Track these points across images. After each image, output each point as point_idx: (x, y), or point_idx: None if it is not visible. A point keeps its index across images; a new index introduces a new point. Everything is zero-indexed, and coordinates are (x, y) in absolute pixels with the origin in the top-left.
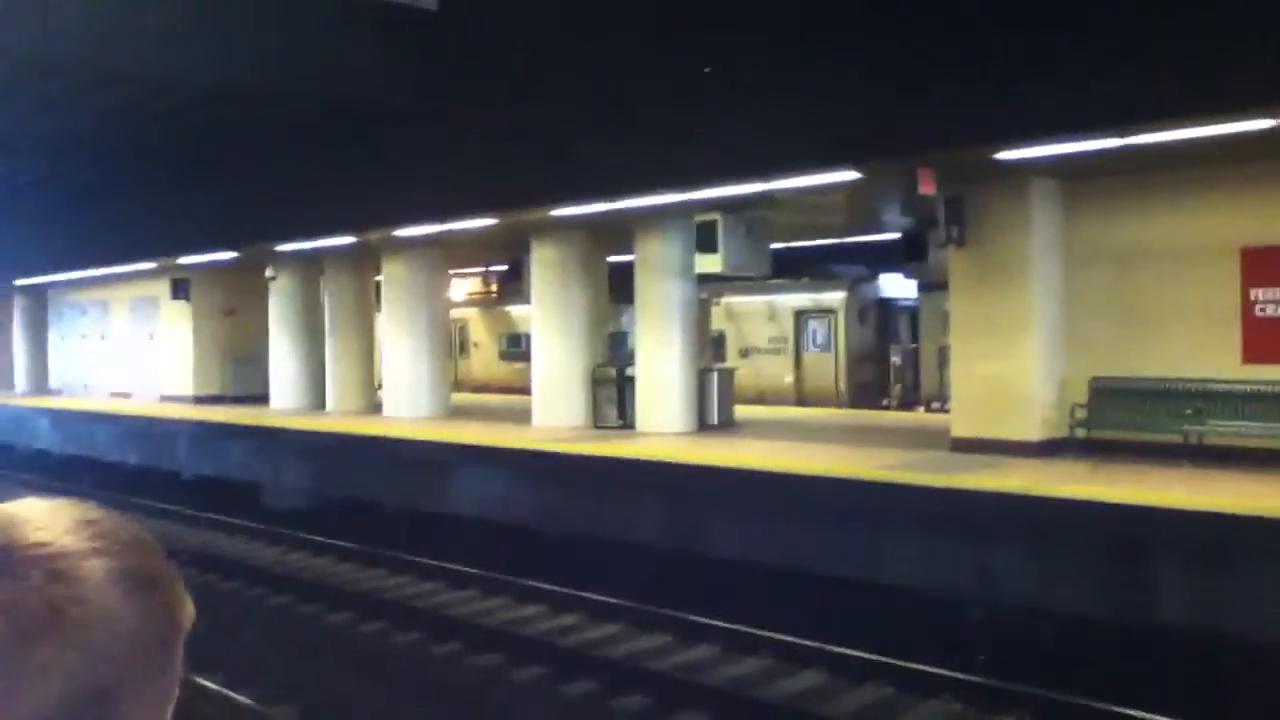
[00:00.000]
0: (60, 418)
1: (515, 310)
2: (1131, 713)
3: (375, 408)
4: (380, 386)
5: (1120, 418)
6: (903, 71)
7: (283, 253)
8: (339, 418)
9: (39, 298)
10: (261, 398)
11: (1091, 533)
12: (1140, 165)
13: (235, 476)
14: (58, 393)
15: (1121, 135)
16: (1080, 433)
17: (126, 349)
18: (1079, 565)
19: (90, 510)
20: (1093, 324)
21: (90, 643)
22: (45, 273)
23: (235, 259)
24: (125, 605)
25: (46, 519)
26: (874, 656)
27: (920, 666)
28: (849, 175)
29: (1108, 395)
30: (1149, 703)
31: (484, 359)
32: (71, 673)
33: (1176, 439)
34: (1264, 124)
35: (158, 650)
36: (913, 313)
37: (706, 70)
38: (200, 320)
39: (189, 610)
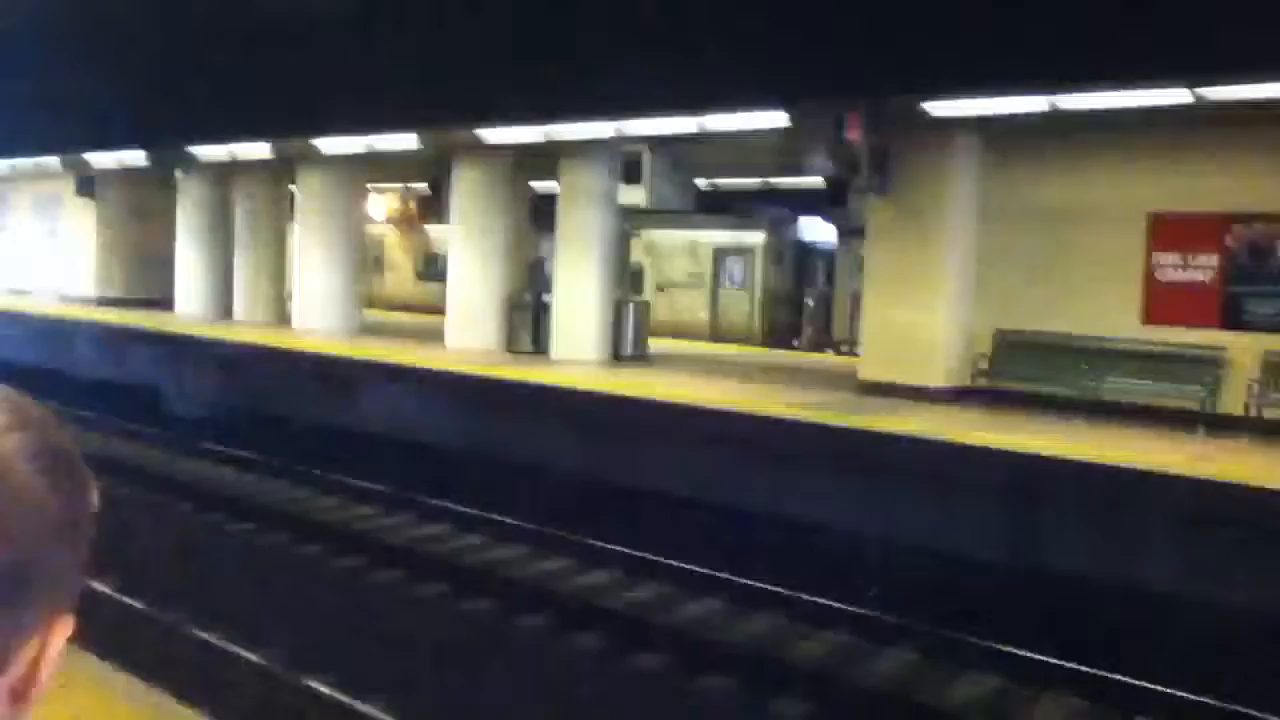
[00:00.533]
0: None
1: (433, 230)
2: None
3: (284, 320)
4: (290, 298)
5: (1022, 370)
6: (838, 16)
7: (196, 157)
8: (247, 328)
9: None
10: (165, 302)
11: (966, 476)
12: (1060, 127)
13: (138, 383)
14: None
15: (1044, 93)
16: (982, 382)
17: (26, 244)
18: (959, 507)
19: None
20: (1003, 278)
21: (8, 520)
22: None
23: (145, 161)
24: (40, 482)
25: None
26: (769, 587)
27: (812, 598)
28: (778, 117)
29: (1011, 347)
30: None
31: (400, 278)
32: None
33: (1075, 394)
34: (1176, 95)
35: (70, 531)
36: (829, 257)
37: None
38: (106, 220)
39: (95, 493)
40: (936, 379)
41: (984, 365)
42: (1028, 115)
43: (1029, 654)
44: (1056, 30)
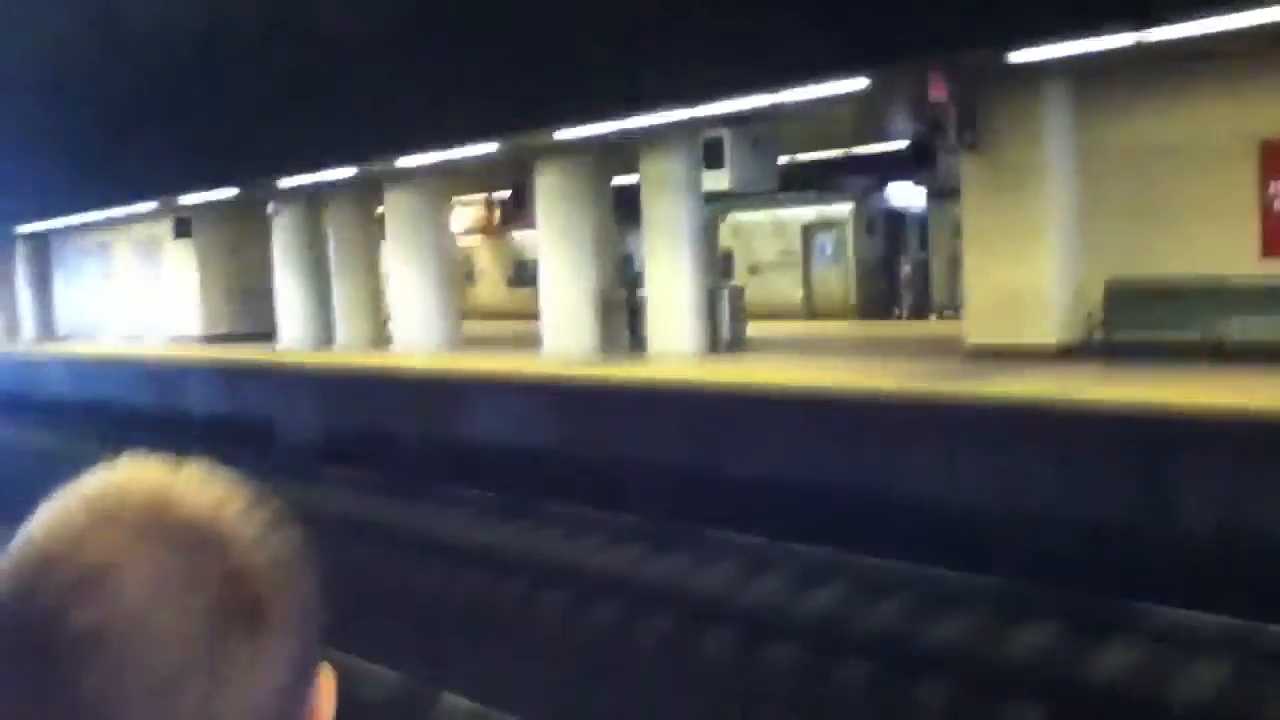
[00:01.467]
0: (72, 365)
1: (520, 237)
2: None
3: (385, 340)
4: (388, 319)
5: (1137, 319)
6: None
7: (285, 189)
8: (352, 352)
9: (41, 244)
10: (268, 334)
11: (1098, 436)
12: (1154, 62)
13: (255, 415)
14: (65, 339)
15: (1135, 29)
16: (1098, 335)
17: (132, 291)
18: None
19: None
20: (1109, 226)
21: (293, 619)
22: (45, 218)
23: (237, 197)
24: (299, 574)
25: (214, 493)
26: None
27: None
28: (858, 83)
29: (1124, 297)
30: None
31: (491, 287)
32: (289, 656)
33: (1196, 339)
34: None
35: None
36: (922, 221)
37: None
38: (205, 259)
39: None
40: (1047, 336)
41: (1097, 317)
42: (1115, 51)
43: None
44: None
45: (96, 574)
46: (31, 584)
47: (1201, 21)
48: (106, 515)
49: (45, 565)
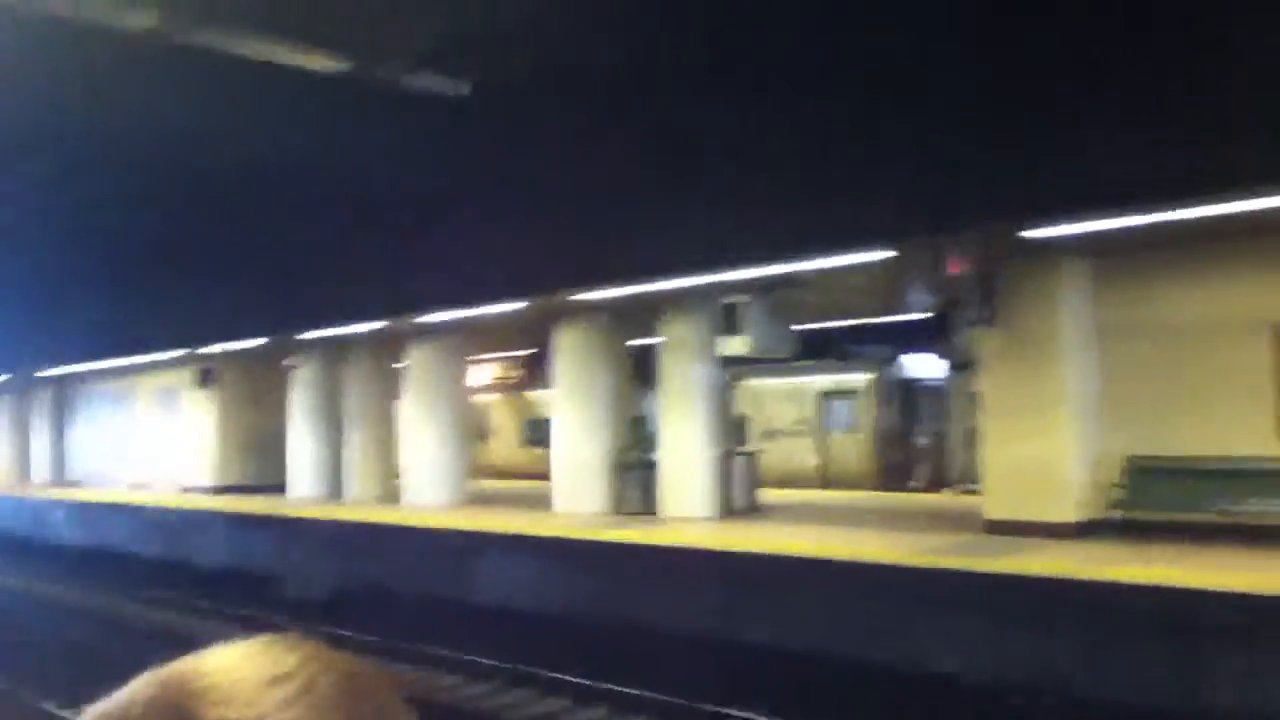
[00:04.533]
0: (80, 510)
1: (536, 396)
2: None
3: (394, 495)
4: (399, 475)
5: (1157, 497)
6: (932, 149)
7: (306, 340)
8: (358, 506)
9: (58, 388)
10: (279, 486)
11: (1129, 615)
12: (1169, 241)
13: (254, 568)
14: (77, 484)
15: (1144, 213)
16: (1117, 513)
17: (146, 438)
18: (1125, 649)
19: (286, 652)
20: (1127, 403)
21: None
22: (66, 363)
23: (258, 348)
24: None
25: (232, 681)
26: None
27: None
28: (876, 255)
29: (1144, 475)
30: None
31: (505, 444)
32: None
33: (1215, 518)
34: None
35: None
36: (939, 393)
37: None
38: (223, 409)
39: None
40: (1067, 513)
41: (1117, 495)
42: (1130, 230)
43: None
44: (1154, 145)
45: None
46: None
47: (1211, 207)
48: None
49: None
